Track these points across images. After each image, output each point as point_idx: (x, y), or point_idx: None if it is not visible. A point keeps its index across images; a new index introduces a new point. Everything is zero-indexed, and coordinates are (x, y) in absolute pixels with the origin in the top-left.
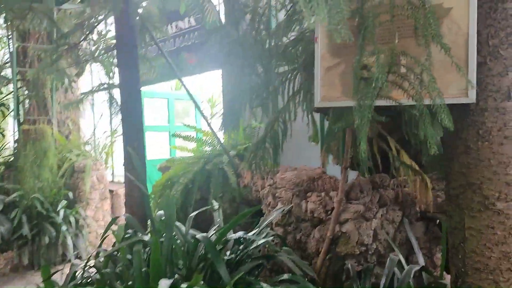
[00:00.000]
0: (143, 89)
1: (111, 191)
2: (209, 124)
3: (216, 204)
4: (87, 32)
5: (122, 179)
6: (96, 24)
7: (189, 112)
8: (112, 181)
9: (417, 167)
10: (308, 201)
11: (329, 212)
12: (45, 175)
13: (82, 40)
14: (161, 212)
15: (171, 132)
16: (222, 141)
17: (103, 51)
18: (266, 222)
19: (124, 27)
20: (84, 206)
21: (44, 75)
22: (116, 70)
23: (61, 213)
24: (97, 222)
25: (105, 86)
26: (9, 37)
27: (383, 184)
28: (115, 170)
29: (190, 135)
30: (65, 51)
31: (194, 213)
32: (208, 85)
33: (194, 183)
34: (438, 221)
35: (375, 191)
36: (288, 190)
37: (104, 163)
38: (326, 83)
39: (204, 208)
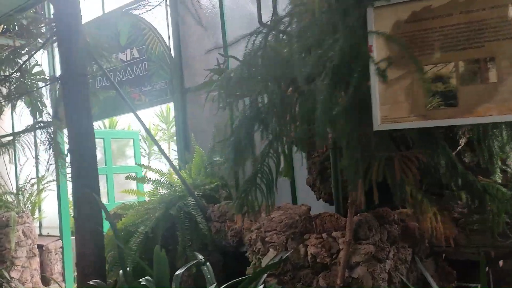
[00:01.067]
0: None
1: (40, 246)
2: (170, 162)
3: (201, 257)
4: (21, 64)
5: (52, 231)
6: (33, 52)
7: (125, 151)
8: (40, 235)
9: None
10: (307, 245)
11: (334, 256)
12: None
13: (14, 72)
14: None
15: (108, 175)
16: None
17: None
18: (261, 273)
19: (70, 53)
20: (9, 266)
21: None
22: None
23: None
24: (24, 285)
25: (42, 124)
26: None
27: (388, 219)
28: (44, 221)
29: (145, 176)
30: None
31: (181, 271)
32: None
33: (156, 232)
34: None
35: (382, 227)
36: (280, 233)
37: (31, 215)
38: (387, 101)
39: (190, 264)
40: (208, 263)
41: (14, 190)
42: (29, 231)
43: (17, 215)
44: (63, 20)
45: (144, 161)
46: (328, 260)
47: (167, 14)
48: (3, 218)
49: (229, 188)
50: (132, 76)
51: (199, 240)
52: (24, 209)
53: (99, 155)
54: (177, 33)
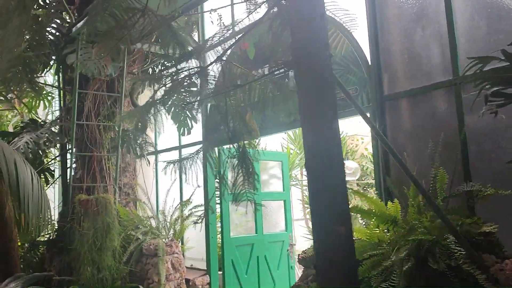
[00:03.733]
0: None
1: (187, 281)
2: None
3: None
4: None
5: (196, 264)
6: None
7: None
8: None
9: None
10: None
11: None
12: (107, 261)
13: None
14: None
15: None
16: None
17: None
18: None
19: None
20: None
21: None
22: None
23: None
24: None
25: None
26: (61, 91)
27: None
28: (188, 251)
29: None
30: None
31: None
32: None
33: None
34: None
35: None
36: None
37: (180, 244)
38: None
39: None
40: None
41: (155, 214)
42: (178, 263)
43: (165, 244)
44: None
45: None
46: None
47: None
48: (151, 246)
49: None
50: None
51: None
52: (171, 237)
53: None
54: (373, 26)
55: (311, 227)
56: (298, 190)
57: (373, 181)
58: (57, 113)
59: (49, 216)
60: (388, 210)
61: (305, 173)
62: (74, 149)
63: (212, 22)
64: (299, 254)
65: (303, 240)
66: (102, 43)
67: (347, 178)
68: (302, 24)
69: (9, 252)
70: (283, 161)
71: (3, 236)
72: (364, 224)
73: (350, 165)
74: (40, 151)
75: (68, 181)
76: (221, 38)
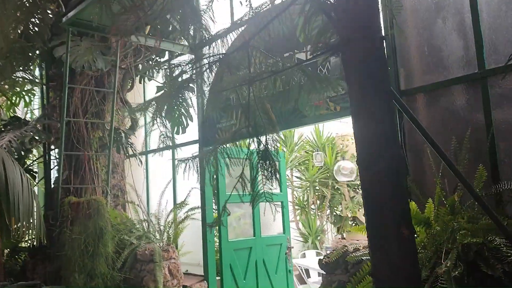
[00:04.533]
0: None
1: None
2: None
3: None
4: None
5: (190, 269)
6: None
7: None
8: None
9: None
10: None
11: None
12: (101, 268)
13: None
14: None
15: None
16: None
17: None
18: None
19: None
20: None
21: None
22: None
23: None
24: None
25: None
26: (43, 87)
27: None
28: (181, 257)
29: None
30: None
31: None
32: None
33: None
34: None
35: None
36: None
37: (176, 249)
38: None
39: None
40: None
41: (148, 217)
42: (175, 269)
43: (160, 249)
44: None
45: None
46: None
47: None
48: (146, 251)
49: None
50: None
51: None
52: (168, 242)
53: None
54: (389, 17)
55: (302, 229)
56: (289, 191)
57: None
58: (36, 112)
59: (40, 220)
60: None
61: (296, 173)
62: (63, 148)
63: (241, 3)
64: (321, 259)
65: (294, 242)
66: (118, 23)
67: (344, 179)
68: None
69: None
70: (281, 161)
71: None
72: None
73: (346, 165)
74: (23, 151)
75: (54, 182)
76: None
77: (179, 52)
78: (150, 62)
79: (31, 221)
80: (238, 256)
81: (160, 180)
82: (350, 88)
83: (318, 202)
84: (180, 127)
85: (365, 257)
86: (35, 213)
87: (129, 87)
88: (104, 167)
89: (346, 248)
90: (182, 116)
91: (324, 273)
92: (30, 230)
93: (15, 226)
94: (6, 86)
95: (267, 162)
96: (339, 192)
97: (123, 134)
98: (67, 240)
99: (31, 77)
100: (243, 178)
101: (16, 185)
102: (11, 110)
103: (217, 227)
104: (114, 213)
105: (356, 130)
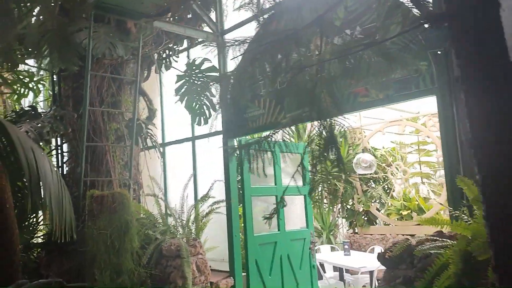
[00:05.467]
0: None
1: (210, 285)
2: None
3: None
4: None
5: (214, 265)
6: None
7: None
8: None
9: None
10: None
11: None
12: (127, 264)
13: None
14: None
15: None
16: None
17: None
18: None
19: None
20: None
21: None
22: None
23: None
24: None
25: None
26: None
27: None
28: (209, 252)
29: None
30: None
31: None
32: None
33: None
34: None
35: None
36: None
37: (202, 244)
38: None
39: None
40: None
41: (171, 211)
42: (203, 264)
43: (187, 244)
44: None
45: None
46: None
47: None
48: (172, 247)
49: None
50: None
51: None
52: (194, 236)
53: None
54: None
55: (315, 224)
56: None
57: (378, 175)
58: (42, 104)
59: (71, 214)
60: None
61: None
62: (85, 139)
63: None
64: (384, 254)
65: None
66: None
67: (363, 172)
68: None
69: (10, 257)
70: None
71: (5, 238)
72: (459, 217)
73: (366, 158)
74: (41, 142)
75: (66, 175)
76: None
77: (200, 40)
78: (167, 52)
79: (63, 215)
80: (263, 251)
81: (179, 172)
82: (460, 65)
83: (330, 196)
84: (202, 118)
85: (433, 251)
86: (66, 206)
87: (145, 75)
88: (121, 160)
89: (409, 241)
90: (204, 107)
91: (385, 268)
92: (62, 225)
93: (54, 222)
94: (11, 78)
95: (334, 149)
96: (352, 185)
97: (143, 125)
98: (90, 236)
99: (40, 67)
100: (303, 165)
101: (47, 177)
102: (17, 103)
103: (243, 222)
104: (138, 207)
105: (471, 109)
